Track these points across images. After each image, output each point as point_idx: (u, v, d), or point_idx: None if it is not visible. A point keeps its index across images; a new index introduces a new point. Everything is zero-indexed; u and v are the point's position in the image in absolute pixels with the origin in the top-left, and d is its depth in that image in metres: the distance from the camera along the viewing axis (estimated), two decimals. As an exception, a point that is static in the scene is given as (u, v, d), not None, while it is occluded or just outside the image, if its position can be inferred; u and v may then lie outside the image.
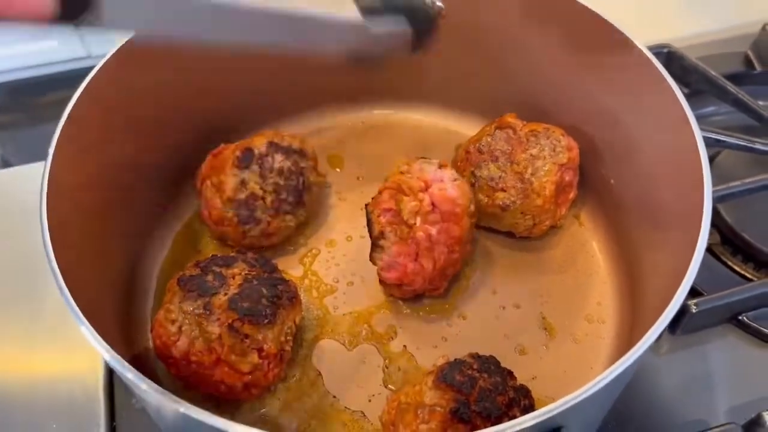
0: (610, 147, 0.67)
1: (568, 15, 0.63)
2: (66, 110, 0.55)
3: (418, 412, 0.50)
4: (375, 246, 0.59)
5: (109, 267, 0.60)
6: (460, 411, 0.49)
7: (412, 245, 0.58)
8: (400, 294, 0.62)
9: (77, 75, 0.57)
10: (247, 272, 0.57)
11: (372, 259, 0.60)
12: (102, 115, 0.59)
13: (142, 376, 0.42)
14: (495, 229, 0.68)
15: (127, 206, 0.63)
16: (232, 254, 0.59)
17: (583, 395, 0.40)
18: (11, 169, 0.80)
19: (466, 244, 0.61)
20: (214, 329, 0.53)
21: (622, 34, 0.60)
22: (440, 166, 0.60)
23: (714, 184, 0.51)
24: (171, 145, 0.68)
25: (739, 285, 0.64)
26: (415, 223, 0.58)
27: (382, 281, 0.61)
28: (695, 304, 0.61)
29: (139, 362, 0.59)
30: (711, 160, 0.53)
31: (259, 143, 0.65)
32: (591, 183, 0.69)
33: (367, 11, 0.51)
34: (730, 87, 0.76)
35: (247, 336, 0.53)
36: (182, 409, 0.39)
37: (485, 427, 0.38)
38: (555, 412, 0.39)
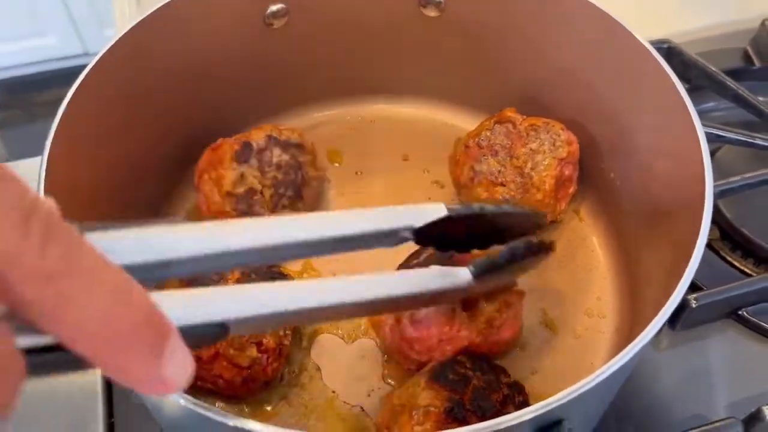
0: (610, 141, 0.67)
1: (569, 9, 0.63)
2: (62, 106, 0.54)
3: (413, 414, 0.49)
4: None
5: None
6: (454, 411, 0.48)
7: None
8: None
9: (75, 72, 0.57)
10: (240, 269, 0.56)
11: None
12: (99, 111, 0.59)
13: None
14: (494, 224, 0.68)
15: (124, 201, 0.63)
16: (231, 248, 0.59)
17: (584, 388, 0.39)
18: (9, 165, 0.79)
19: None
20: (213, 323, 0.53)
21: (623, 27, 0.60)
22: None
23: (714, 179, 0.51)
24: (168, 139, 0.68)
25: (738, 280, 0.64)
26: None
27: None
28: (695, 299, 0.61)
29: (137, 357, 0.59)
30: (711, 155, 0.53)
31: (257, 137, 0.64)
32: (591, 178, 0.69)
33: (482, 276, 0.47)
34: (730, 82, 0.76)
35: (245, 330, 0.53)
36: (182, 402, 0.39)
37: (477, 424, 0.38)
38: (555, 405, 0.39)
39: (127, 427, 0.59)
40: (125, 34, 0.59)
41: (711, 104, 0.81)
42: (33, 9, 1.88)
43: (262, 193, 0.63)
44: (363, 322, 0.62)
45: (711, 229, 0.49)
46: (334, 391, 0.59)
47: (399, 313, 0.55)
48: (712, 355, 0.63)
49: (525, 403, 0.52)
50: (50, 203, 0.26)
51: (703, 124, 0.54)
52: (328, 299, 0.39)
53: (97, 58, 0.58)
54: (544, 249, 0.53)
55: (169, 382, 0.26)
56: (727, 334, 0.64)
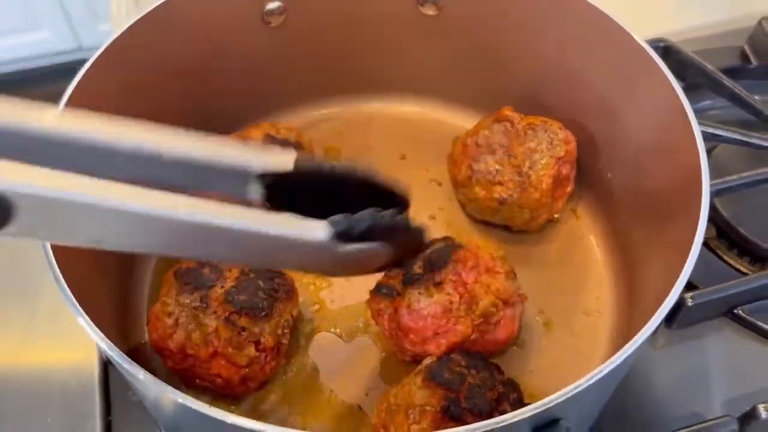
0: (607, 140, 0.67)
1: (566, 8, 0.63)
2: (61, 104, 0.54)
3: (409, 413, 0.50)
4: None
5: (105, 259, 0.59)
6: (450, 409, 0.49)
7: None
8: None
9: (69, 68, 0.57)
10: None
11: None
12: (95, 108, 0.58)
13: (138, 366, 0.42)
14: (492, 223, 0.68)
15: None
16: (229, 247, 0.59)
17: (581, 387, 0.40)
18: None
19: None
20: (211, 322, 0.53)
21: (620, 27, 0.60)
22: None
23: (710, 178, 0.51)
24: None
25: (734, 279, 0.64)
26: None
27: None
28: (691, 298, 0.61)
29: (135, 355, 0.58)
30: (707, 154, 0.53)
31: (255, 135, 0.64)
32: (588, 177, 0.69)
33: (340, 237, 0.44)
34: (727, 81, 0.76)
35: (243, 329, 0.53)
36: (180, 400, 0.39)
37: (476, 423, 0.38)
38: (552, 404, 0.39)
39: (125, 425, 0.59)
40: (123, 32, 0.59)
41: (707, 103, 0.81)
42: (27, 3, 1.87)
43: (259, 191, 0.63)
44: (361, 319, 0.62)
45: (707, 228, 0.49)
46: (331, 390, 0.59)
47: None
48: (708, 354, 0.63)
49: (519, 401, 0.53)
50: None
51: (700, 123, 0.54)
52: (140, 205, 0.36)
53: (93, 58, 0.58)
54: (416, 228, 0.51)
55: None
56: (723, 332, 0.64)
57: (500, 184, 0.64)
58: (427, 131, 0.77)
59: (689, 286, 0.63)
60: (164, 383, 0.41)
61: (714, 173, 0.53)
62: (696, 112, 0.54)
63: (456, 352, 0.54)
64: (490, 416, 0.47)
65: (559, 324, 0.63)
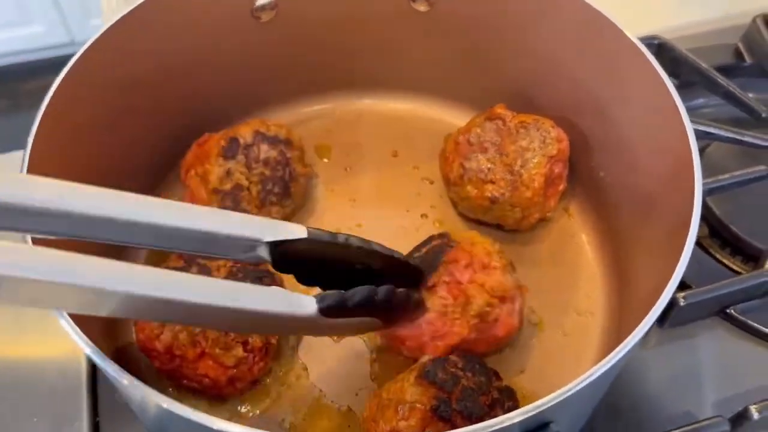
0: (599, 139, 0.66)
1: (559, 5, 0.62)
2: (46, 99, 0.54)
3: (399, 409, 0.49)
4: None
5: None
6: (440, 409, 0.48)
7: None
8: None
9: (61, 62, 0.56)
10: (231, 264, 0.56)
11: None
12: (84, 103, 0.58)
13: (123, 370, 0.41)
14: (483, 222, 0.68)
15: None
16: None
17: (572, 390, 0.39)
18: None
19: None
20: (199, 322, 0.52)
21: (613, 24, 0.59)
22: None
23: (703, 176, 0.51)
24: (155, 133, 0.67)
25: (727, 278, 0.64)
26: None
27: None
28: (683, 297, 0.61)
29: (122, 356, 0.58)
30: (700, 152, 0.52)
31: (244, 132, 0.63)
32: (580, 175, 0.69)
33: (328, 313, 0.43)
34: (720, 79, 0.76)
35: (231, 329, 0.53)
36: (165, 405, 0.39)
37: (465, 426, 0.37)
38: (544, 408, 0.38)
39: (113, 425, 0.58)
40: (111, 25, 0.58)
41: (701, 101, 0.80)
42: (20, -3, 1.86)
43: (249, 189, 0.63)
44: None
45: (700, 227, 0.48)
46: (321, 390, 0.58)
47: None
48: (700, 354, 0.63)
49: (515, 409, 0.52)
50: None
51: (693, 121, 0.54)
52: (120, 285, 0.35)
53: (83, 49, 0.57)
54: (413, 304, 0.51)
55: None
56: (715, 332, 0.64)
57: (492, 182, 0.64)
58: (419, 128, 0.76)
59: (682, 286, 0.62)
60: (148, 387, 0.40)
61: (707, 172, 0.53)
62: (689, 110, 0.54)
63: (455, 353, 0.54)
64: (481, 420, 0.46)
65: (551, 323, 0.62)
